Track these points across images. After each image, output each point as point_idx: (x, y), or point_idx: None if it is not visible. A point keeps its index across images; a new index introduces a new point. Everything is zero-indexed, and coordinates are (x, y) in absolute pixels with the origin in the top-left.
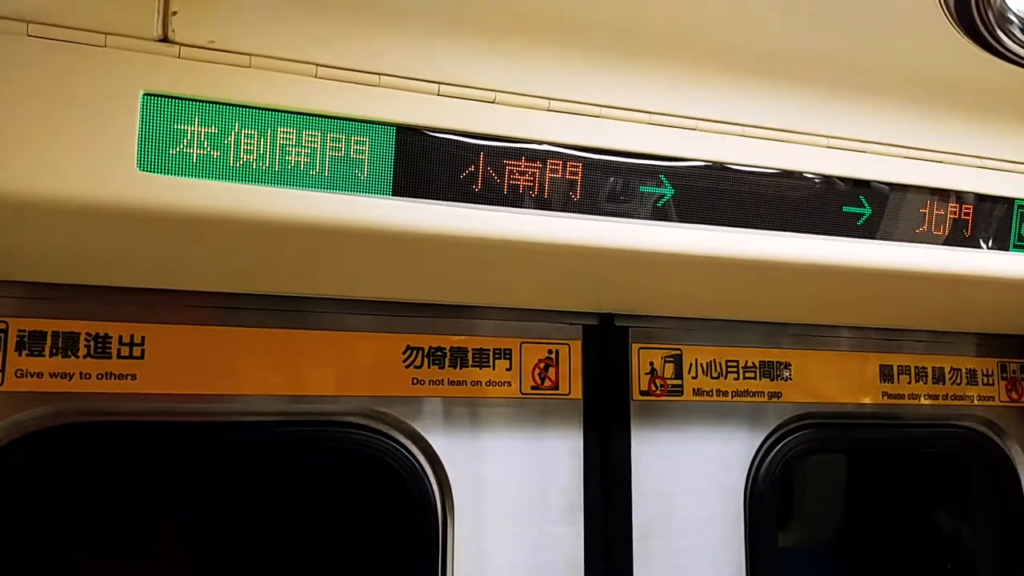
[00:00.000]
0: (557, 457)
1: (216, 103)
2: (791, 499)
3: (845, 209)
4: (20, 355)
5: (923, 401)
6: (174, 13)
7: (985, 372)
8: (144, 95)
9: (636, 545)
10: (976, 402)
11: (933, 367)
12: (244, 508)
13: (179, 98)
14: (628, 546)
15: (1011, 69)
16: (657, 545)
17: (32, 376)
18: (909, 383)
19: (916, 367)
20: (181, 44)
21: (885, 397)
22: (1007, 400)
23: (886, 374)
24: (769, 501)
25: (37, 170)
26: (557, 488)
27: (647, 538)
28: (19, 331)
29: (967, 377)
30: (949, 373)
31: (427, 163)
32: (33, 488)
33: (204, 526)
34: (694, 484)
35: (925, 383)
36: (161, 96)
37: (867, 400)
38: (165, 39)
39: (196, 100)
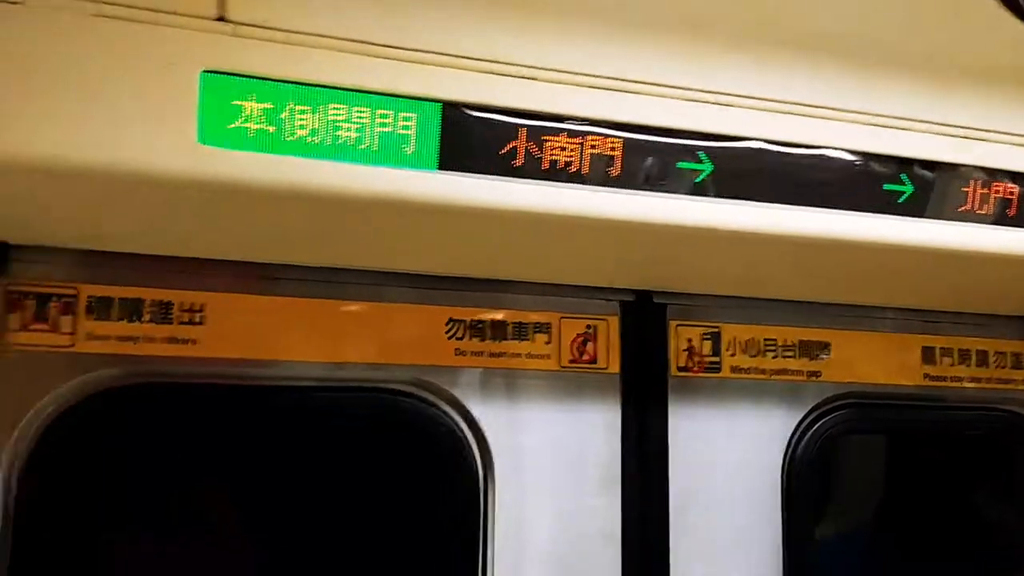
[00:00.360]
0: (595, 430)
1: (271, 80)
2: (829, 478)
3: (886, 187)
4: (90, 319)
5: (966, 384)
6: None
7: None
8: (203, 72)
9: (673, 519)
10: (1019, 386)
11: (977, 350)
12: (294, 469)
13: (236, 75)
14: (665, 519)
15: None
16: (694, 519)
17: (100, 339)
18: (952, 365)
19: (959, 349)
20: (237, 23)
21: (927, 379)
22: None
23: (928, 356)
24: (806, 479)
25: (105, 142)
26: (594, 460)
27: (684, 512)
28: (89, 297)
29: (1012, 360)
30: (993, 356)
31: (471, 139)
32: (100, 444)
33: (255, 484)
34: (731, 460)
35: (968, 366)
36: (219, 73)
37: (908, 382)
38: (222, 19)
39: (252, 77)
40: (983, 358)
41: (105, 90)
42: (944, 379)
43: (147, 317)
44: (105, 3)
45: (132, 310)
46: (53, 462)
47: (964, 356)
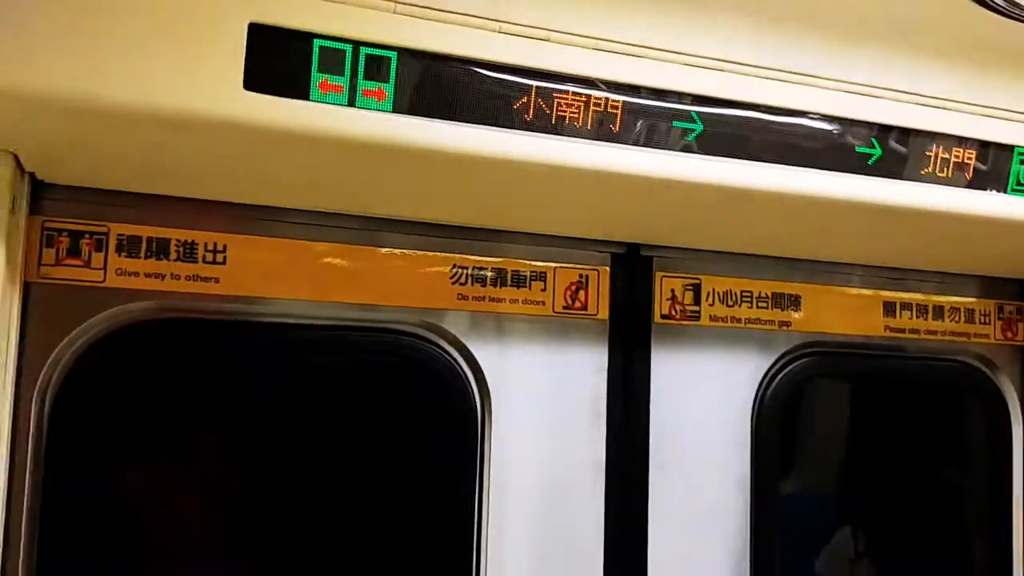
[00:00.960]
0: (584, 370)
1: (306, 32)
2: (794, 418)
3: (858, 149)
4: (120, 256)
5: (923, 336)
6: None
7: (983, 312)
8: (249, 24)
9: (652, 451)
10: (973, 339)
11: (934, 305)
12: (308, 401)
13: (278, 27)
14: (645, 451)
15: (1012, 25)
16: (672, 451)
17: (130, 275)
18: (911, 319)
19: (917, 304)
20: None
21: (887, 331)
22: (1002, 339)
23: (889, 309)
24: (774, 419)
25: (154, 84)
26: (583, 398)
27: (663, 445)
28: (119, 235)
29: (965, 316)
30: (948, 311)
31: (480, 94)
32: (128, 373)
33: (272, 414)
34: (708, 400)
35: (925, 319)
36: (263, 25)
37: (870, 333)
38: None
39: (290, 29)
40: (939, 313)
41: (155, 35)
42: (903, 331)
43: (173, 256)
44: None
45: (160, 248)
46: (85, 388)
47: (922, 311)
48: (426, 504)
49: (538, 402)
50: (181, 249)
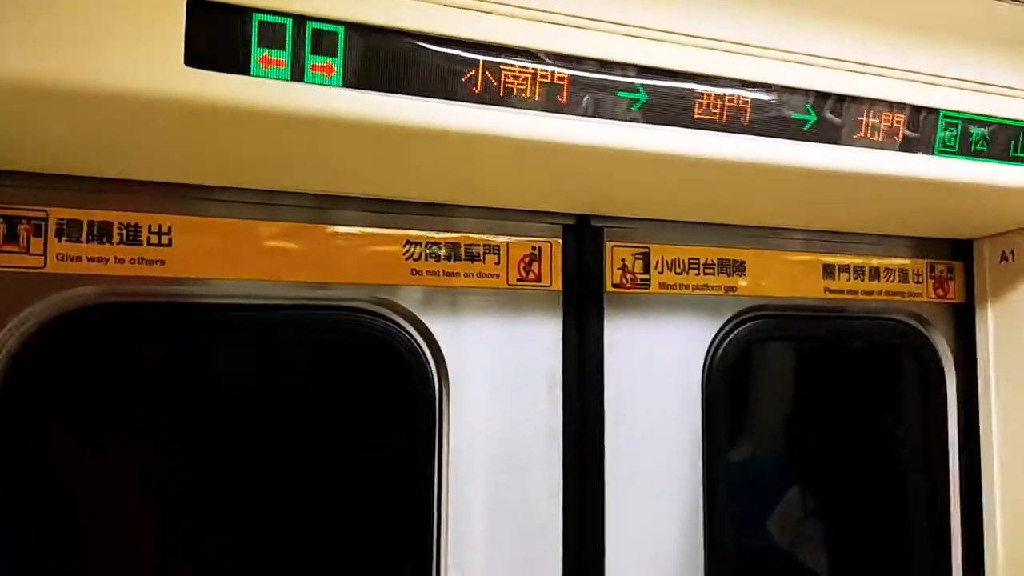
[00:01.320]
0: (539, 341)
1: (245, 7)
2: (743, 380)
3: (795, 116)
4: (60, 241)
5: (860, 297)
6: None
7: (916, 272)
8: (187, 1)
9: (607, 417)
10: (907, 298)
11: (870, 267)
12: (263, 382)
13: (216, 2)
14: (600, 417)
15: None
16: (626, 417)
17: (71, 259)
18: (849, 280)
19: (855, 266)
20: None
21: (827, 292)
22: (934, 296)
23: (828, 272)
24: (723, 380)
25: (93, 64)
26: (538, 367)
27: (618, 411)
28: (58, 219)
29: (900, 276)
30: (884, 272)
31: (428, 68)
32: (73, 360)
33: (224, 396)
34: (659, 365)
35: (863, 280)
36: (202, 1)
37: (811, 295)
38: None
39: (229, 4)
40: (875, 274)
41: (93, 13)
42: (842, 292)
43: (117, 239)
44: None
45: (102, 232)
46: (27, 377)
47: (859, 272)
48: (387, 476)
49: (494, 373)
50: (124, 232)
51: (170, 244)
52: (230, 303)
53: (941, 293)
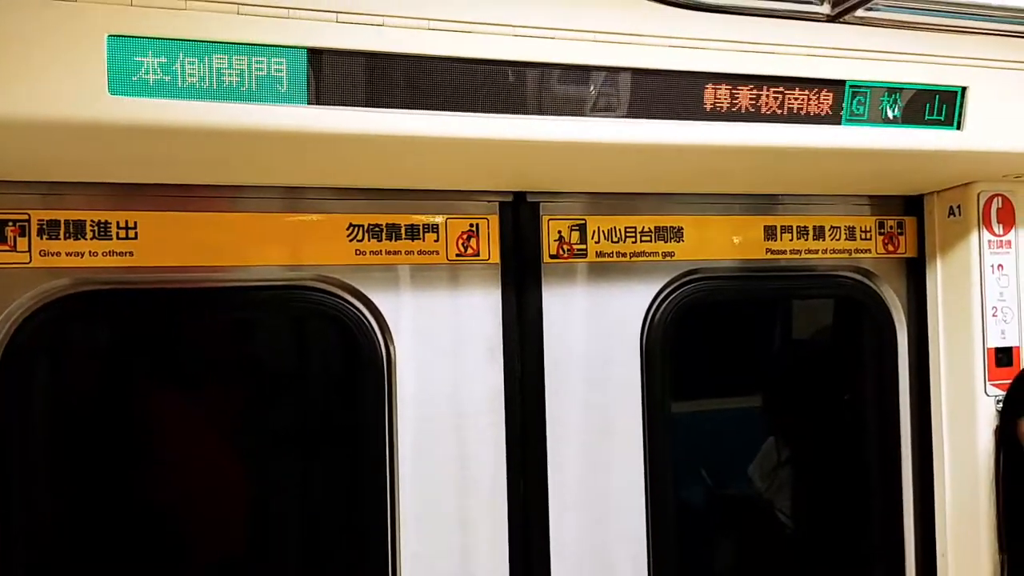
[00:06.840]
0: (480, 311)
1: (164, 39)
2: (681, 342)
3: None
4: (41, 239)
5: (804, 256)
6: None
7: (863, 229)
8: (109, 36)
9: (548, 382)
10: (854, 255)
11: (814, 225)
12: (225, 358)
13: (136, 37)
14: (541, 383)
15: None
16: (567, 382)
17: (52, 255)
18: (792, 240)
19: (798, 226)
20: None
21: (768, 253)
22: (883, 252)
23: (770, 233)
24: (661, 342)
25: (33, 97)
26: (480, 336)
27: (557, 374)
28: (39, 220)
29: (846, 233)
30: (829, 231)
31: (333, 77)
32: (57, 343)
33: (191, 375)
34: (599, 330)
35: (806, 240)
36: (122, 36)
37: (752, 256)
38: None
39: (148, 38)
40: (819, 233)
41: (25, 55)
42: (784, 252)
43: (90, 234)
44: None
45: (77, 229)
46: (18, 361)
47: (802, 232)
48: (343, 438)
49: (439, 344)
50: (96, 228)
51: (136, 237)
52: (193, 287)
53: (891, 248)
